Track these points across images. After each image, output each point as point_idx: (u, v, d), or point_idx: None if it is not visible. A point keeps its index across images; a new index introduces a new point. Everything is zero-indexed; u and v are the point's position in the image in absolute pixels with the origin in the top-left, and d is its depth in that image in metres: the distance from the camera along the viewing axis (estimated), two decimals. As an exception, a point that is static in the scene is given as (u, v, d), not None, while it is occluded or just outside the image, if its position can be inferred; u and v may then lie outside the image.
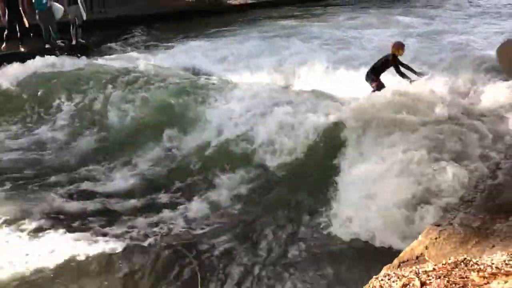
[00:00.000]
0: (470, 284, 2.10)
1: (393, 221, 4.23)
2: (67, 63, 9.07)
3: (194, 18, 19.08)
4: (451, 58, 9.04)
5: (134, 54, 10.55)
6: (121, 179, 5.68)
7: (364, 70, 7.27)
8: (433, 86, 6.63)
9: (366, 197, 4.60)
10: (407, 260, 2.77)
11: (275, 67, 9.26)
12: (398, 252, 3.06)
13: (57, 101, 7.77)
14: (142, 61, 9.12)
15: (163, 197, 5.30)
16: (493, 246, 2.87)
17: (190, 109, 6.95)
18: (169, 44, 12.01)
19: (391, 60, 6.72)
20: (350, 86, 7.79)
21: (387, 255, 3.48)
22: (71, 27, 10.91)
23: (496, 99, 6.38)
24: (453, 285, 2.10)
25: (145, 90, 7.47)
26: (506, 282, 2.11)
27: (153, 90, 7.48)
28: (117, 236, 4.48)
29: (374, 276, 2.42)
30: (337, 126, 5.88)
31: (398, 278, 2.32)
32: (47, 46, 10.21)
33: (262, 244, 4.40)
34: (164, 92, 7.45)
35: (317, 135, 5.83)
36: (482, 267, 2.37)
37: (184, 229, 4.62)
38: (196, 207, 5.01)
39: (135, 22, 15.52)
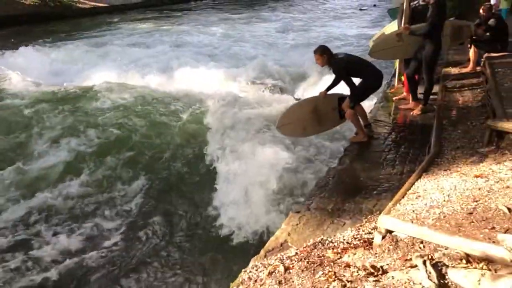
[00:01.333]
0: (326, 261, 2.31)
1: (261, 214, 4.43)
2: None
3: (36, 24, 17.28)
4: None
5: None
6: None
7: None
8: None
9: (235, 194, 4.76)
10: (273, 249, 2.91)
11: (129, 70, 9.14)
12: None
13: None
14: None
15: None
16: (344, 224, 3.20)
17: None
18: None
19: None
20: (215, 84, 8.16)
21: (259, 247, 3.64)
22: None
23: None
24: (312, 264, 2.28)
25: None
26: (355, 254, 2.37)
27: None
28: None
29: (243, 270, 2.49)
30: (202, 126, 6.11)
31: (265, 267, 2.43)
32: None
33: (142, 246, 4.39)
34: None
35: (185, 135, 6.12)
36: (336, 244, 2.63)
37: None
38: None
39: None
